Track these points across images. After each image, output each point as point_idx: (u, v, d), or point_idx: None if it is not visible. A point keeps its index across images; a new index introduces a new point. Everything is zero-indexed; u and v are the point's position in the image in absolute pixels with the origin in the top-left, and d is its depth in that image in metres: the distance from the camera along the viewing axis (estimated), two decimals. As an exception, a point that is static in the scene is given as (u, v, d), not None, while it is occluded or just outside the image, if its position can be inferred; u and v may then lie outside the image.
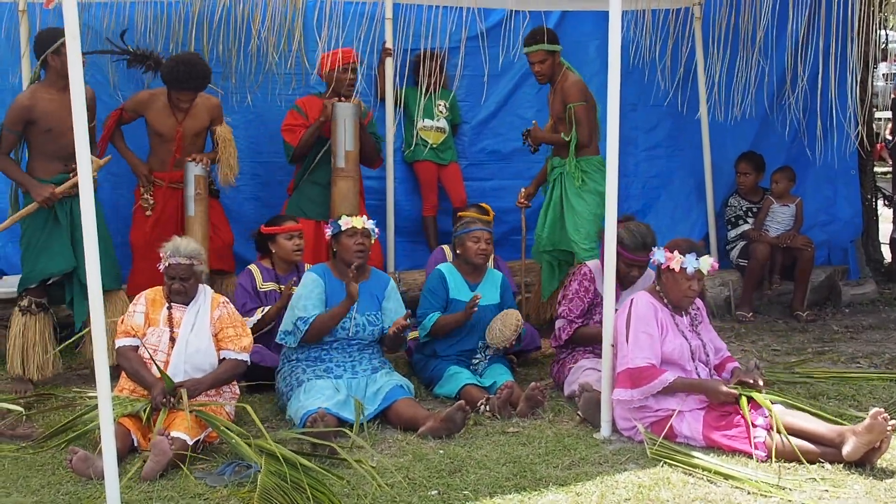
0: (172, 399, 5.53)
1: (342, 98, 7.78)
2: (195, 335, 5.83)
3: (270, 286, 7.09)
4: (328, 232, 6.55)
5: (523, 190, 8.02)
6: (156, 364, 5.68)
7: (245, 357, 5.93)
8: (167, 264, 5.88)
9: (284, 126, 8.02)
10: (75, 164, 4.82)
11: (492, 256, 7.36)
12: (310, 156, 7.95)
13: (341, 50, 7.89)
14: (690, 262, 5.68)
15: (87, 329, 6.43)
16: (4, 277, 7.87)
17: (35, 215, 6.67)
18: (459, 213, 7.82)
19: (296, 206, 7.93)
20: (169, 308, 5.90)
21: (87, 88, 6.97)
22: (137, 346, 5.79)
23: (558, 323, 6.68)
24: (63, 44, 6.43)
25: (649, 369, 5.58)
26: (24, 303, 6.73)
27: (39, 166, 6.75)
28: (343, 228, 6.40)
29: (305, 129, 7.86)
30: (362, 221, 6.41)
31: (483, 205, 8.01)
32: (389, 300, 6.55)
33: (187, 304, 5.92)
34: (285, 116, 8.07)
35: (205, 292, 6.02)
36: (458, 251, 6.95)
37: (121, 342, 5.78)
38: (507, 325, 6.59)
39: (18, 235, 7.03)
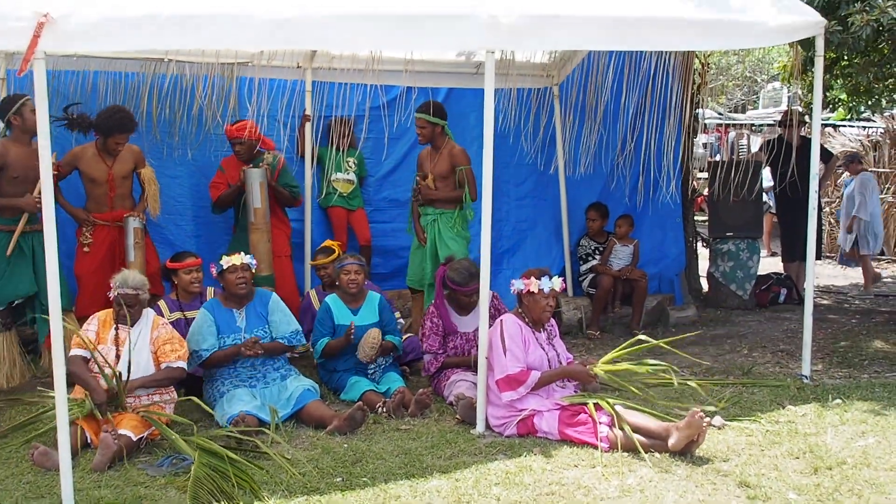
0: (108, 405, 5.42)
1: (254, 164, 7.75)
2: (136, 352, 5.67)
3: (176, 315, 6.91)
4: (214, 271, 6.48)
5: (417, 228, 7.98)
6: (103, 374, 5.52)
7: (181, 364, 5.80)
8: (116, 293, 5.72)
9: (211, 183, 8.00)
10: None
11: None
12: (239, 206, 7.86)
13: (233, 126, 7.84)
14: (546, 284, 5.82)
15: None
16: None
17: (1, 249, 6.54)
18: (312, 263, 7.85)
19: (234, 245, 7.82)
20: (116, 329, 5.74)
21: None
22: (87, 358, 5.61)
23: (426, 357, 6.72)
24: (23, 105, 6.41)
25: (524, 372, 5.64)
26: None
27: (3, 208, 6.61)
28: (225, 267, 6.36)
29: (226, 187, 7.82)
30: (240, 258, 6.36)
31: (326, 243, 7.91)
32: (274, 313, 6.45)
33: (132, 326, 5.77)
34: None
35: (147, 315, 5.87)
36: (337, 284, 6.92)
37: (73, 352, 5.60)
38: (366, 342, 6.57)
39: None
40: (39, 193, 6.43)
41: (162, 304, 6.98)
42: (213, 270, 6.47)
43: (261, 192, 7.60)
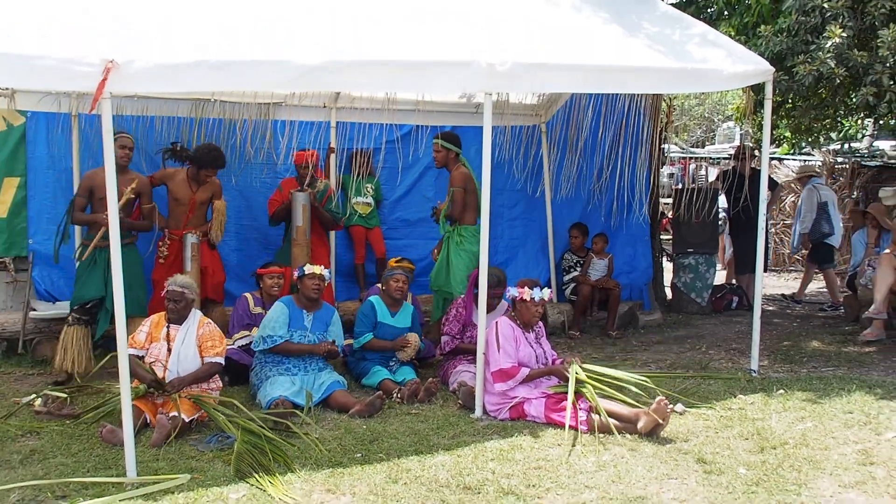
0: (160, 391, 5.47)
1: (304, 187, 7.75)
2: (184, 347, 5.70)
3: (258, 310, 6.96)
4: (295, 274, 6.49)
5: (435, 250, 8.01)
6: (150, 370, 5.57)
7: (219, 360, 5.77)
8: (166, 290, 5.77)
9: (269, 199, 8.00)
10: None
11: (409, 296, 7.34)
12: (288, 222, 7.89)
13: (300, 153, 7.89)
14: (536, 294, 5.86)
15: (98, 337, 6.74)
16: (57, 302, 7.68)
17: (86, 259, 6.68)
18: (390, 262, 7.75)
19: (280, 254, 7.84)
20: (168, 327, 5.76)
21: (142, 177, 7.01)
22: (140, 355, 5.66)
23: (444, 339, 6.72)
24: (114, 140, 6.48)
25: (514, 368, 5.68)
26: (70, 319, 6.66)
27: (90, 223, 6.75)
28: (306, 273, 6.37)
29: (281, 204, 7.82)
30: (320, 269, 6.38)
31: (408, 260, 7.94)
32: (333, 325, 6.47)
33: (181, 324, 5.80)
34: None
35: (194, 315, 5.87)
36: (384, 288, 6.94)
37: (129, 351, 5.62)
38: (410, 346, 6.68)
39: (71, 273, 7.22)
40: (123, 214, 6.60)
41: (248, 296, 7.05)
42: (295, 274, 6.49)
43: (303, 213, 7.62)
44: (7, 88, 7.36)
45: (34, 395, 5.92)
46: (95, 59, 4.44)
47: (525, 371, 5.69)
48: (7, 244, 7.75)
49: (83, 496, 4.31)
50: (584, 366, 5.81)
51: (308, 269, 6.39)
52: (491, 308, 6.58)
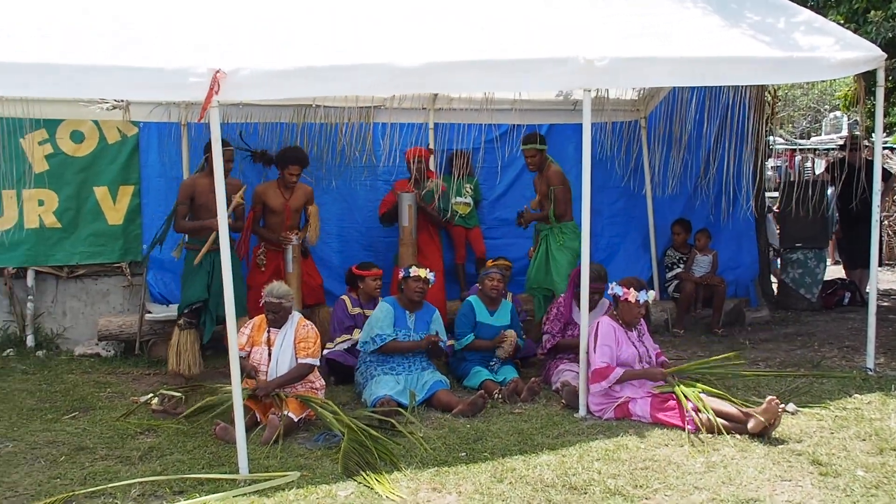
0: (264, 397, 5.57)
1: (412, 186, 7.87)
2: (282, 352, 5.75)
3: (357, 311, 7.06)
4: (401, 274, 6.55)
5: (531, 249, 7.97)
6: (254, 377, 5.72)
7: (310, 361, 5.75)
8: (264, 301, 5.81)
9: (382, 200, 8.18)
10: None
11: (509, 294, 7.34)
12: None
13: (414, 149, 8.02)
14: (642, 296, 5.75)
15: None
16: (169, 304, 7.93)
17: (191, 263, 6.77)
18: (488, 262, 7.74)
19: (395, 258, 7.96)
20: (268, 332, 5.83)
21: (238, 182, 7.07)
22: (244, 355, 5.75)
23: (545, 337, 6.67)
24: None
25: (608, 368, 5.60)
26: (181, 322, 6.79)
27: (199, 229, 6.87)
28: (411, 275, 6.42)
29: (391, 204, 7.94)
30: (425, 273, 6.43)
31: (504, 259, 7.97)
32: (434, 324, 6.52)
33: (280, 328, 5.86)
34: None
35: (293, 318, 5.88)
36: (481, 287, 6.95)
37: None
38: (508, 344, 6.65)
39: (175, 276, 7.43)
40: (233, 218, 6.70)
41: (346, 298, 7.13)
42: (401, 274, 6.55)
43: (409, 213, 7.72)
44: (122, 101, 7.65)
45: (151, 395, 6.12)
46: (203, 68, 4.55)
47: (619, 372, 5.61)
48: (123, 250, 8.08)
49: (199, 492, 4.44)
50: (685, 388, 5.60)
51: (414, 271, 6.43)
52: (593, 305, 6.49)
